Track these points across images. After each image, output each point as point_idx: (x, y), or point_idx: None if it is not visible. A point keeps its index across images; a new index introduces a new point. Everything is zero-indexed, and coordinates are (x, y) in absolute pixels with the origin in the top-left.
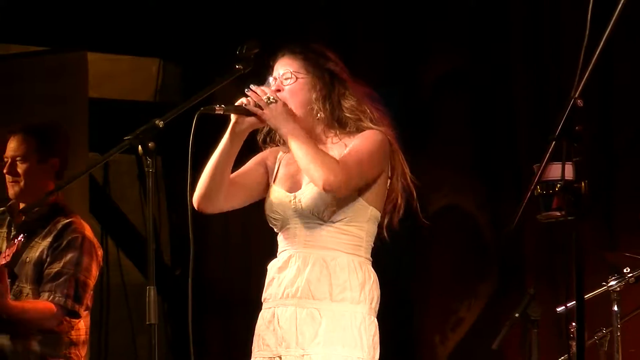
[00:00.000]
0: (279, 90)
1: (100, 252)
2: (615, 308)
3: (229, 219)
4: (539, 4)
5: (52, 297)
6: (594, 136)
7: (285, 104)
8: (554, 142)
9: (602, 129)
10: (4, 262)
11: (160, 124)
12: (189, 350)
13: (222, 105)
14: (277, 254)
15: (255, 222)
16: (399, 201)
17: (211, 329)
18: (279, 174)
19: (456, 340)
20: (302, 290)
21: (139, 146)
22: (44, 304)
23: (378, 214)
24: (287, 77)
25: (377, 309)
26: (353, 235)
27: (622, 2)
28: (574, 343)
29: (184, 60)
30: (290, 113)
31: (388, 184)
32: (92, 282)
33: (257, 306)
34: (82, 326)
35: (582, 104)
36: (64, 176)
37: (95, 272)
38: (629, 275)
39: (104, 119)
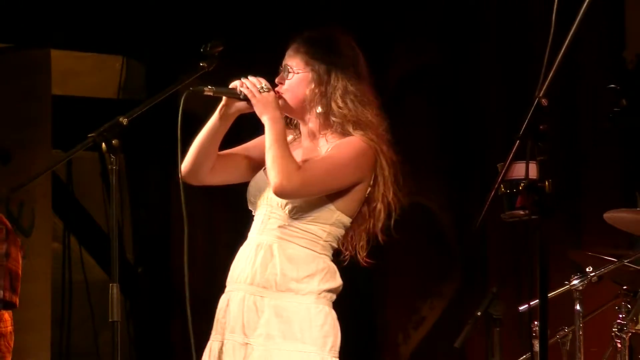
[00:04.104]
0: (281, 83)
1: (19, 241)
2: (578, 307)
3: (194, 219)
4: (509, 1)
5: None
6: (559, 135)
7: (275, 96)
8: (518, 141)
9: (567, 129)
10: None
11: (124, 121)
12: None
13: (212, 87)
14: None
15: (220, 221)
16: (380, 209)
17: (176, 329)
18: None
19: (419, 338)
20: (251, 277)
21: (103, 144)
22: None
23: (346, 220)
24: (288, 70)
25: (330, 297)
26: (311, 233)
27: (587, 1)
28: (537, 342)
29: (148, 57)
30: (277, 105)
31: (367, 192)
32: (20, 272)
33: None
34: (7, 317)
35: (546, 103)
36: (26, 173)
37: (20, 261)
38: (591, 275)
39: (68, 116)
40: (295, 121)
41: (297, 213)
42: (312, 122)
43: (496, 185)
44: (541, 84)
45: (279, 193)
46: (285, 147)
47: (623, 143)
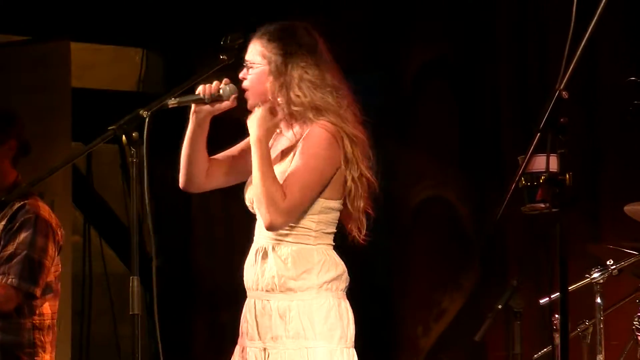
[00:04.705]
0: (244, 79)
1: (60, 232)
2: (599, 300)
3: (213, 210)
4: None
5: (5, 279)
6: (578, 128)
7: (265, 110)
8: (538, 134)
9: (586, 121)
10: None
11: (145, 114)
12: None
13: (175, 99)
14: None
15: (239, 212)
16: (351, 187)
17: (198, 321)
18: None
19: (439, 331)
20: (256, 282)
21: (123, 136)
22: None
23: (334, 203)
24: (248, 65)
25: (335, 288)
26: (301, 227)
27: None
28: (557, 335)
29: (167, 50)
30: (264, 122)
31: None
32: (49, 262)
33: (242, 297)
34: (46, 311)
35: (567, 96)
36: (45, 166)
37: (52, 251)
38: (612, 268)
39: (87, 108)
40: None
41: None
42: (280, 114)
43: (517, 178)
44: (561, 77)
45: (272, 229)
46: (268, 175)
47: None
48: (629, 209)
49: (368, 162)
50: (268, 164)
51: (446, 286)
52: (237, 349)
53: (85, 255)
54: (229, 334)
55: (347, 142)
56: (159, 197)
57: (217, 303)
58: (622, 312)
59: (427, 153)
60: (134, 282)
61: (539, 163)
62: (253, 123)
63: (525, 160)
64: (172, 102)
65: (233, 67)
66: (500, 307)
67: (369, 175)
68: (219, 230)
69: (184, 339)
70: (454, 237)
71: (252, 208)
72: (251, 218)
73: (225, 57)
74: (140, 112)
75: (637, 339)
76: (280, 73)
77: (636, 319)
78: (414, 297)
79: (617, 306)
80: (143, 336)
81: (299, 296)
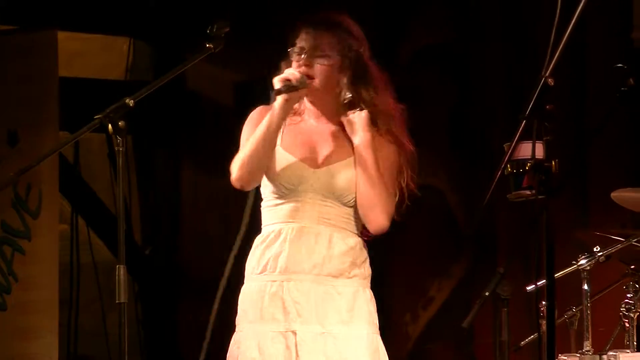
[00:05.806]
0: (307, 65)
1: None
2: (586, 287)
3: (201, 199)
4: None
5: None
6: (565, 115)
7: (367, 116)
8: (524, 121)
9: (574, 108)
10: None
11: (131, 102)
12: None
13: (280, 88)
14: (277, 224)
15: (231, 202)
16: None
17: (184, 311)
18: (284, 137)
19: (427, 318)
20: (318, 266)
21: (110, 125)
22: None
23: None
24: (319, 54)
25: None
26: (355, 217)
27: None
28: (544, 322)
29: (155, 39)
30: (370, 125)
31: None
32: None
33: (231, 288)
34: None
35: (553, 83)
36: (33, 155)
37: None
38: (599, 254)
39: (75, 97)
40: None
41: (348, 199)
42: (329, 104)
43: (503, 165)
44: (547, 64)
45: (381, 231)
46: (380, 180)
47: (631, 122)
48: (616, 195)
49: (412, 173)
50: (379, 169)
51: (434, 274)
52: (269, 334)
53: (73, 244)
54: (216, 324)
55: (402, 158)
56: (148, 187)
57: (205, 294)
58: (609, 299)
59: (417, 141)
60: (121, 271)
61: (525, 150)
62: (360, 128)
63: (511, 148)
64: (279, 90)
65: (219, 55)
66: (487, 294)
67: (412, 185)
68: (209, 219)
69: (171, 327)
70: (443, 225)
71: (285, 190)
72: (240, 205)
73: (211, 45)
74: (127, 100)
75: (624, 325)
76: (349, 67)
77: (623, 306)
78: (402, 285)
79: (604, 293)
80: (131, 324)
81: (363, 283)
